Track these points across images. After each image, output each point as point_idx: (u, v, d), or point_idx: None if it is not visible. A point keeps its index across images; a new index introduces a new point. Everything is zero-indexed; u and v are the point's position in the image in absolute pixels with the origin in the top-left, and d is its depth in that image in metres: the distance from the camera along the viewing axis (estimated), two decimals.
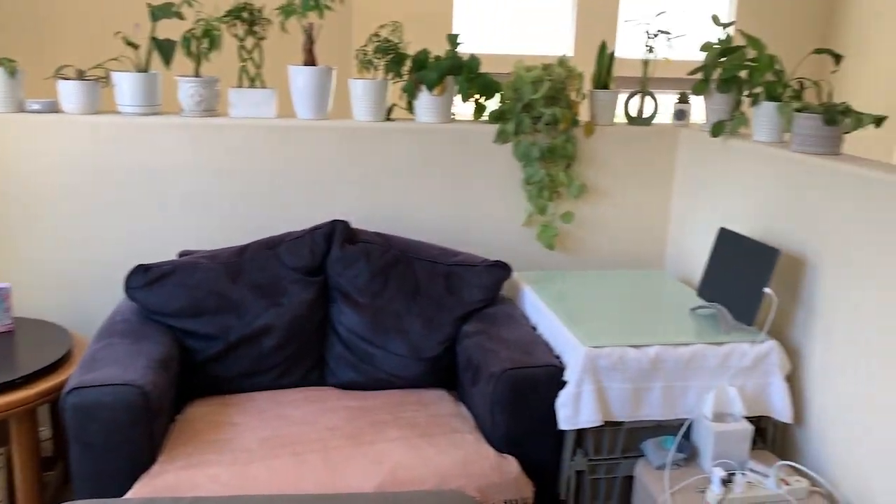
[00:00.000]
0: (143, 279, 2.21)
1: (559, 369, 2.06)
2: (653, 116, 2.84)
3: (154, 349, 2.05)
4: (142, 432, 1.83)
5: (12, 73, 2.44)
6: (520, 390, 2.01)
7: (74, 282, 2.58)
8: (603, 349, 2.02)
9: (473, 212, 2.75)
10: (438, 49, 2.68)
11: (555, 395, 2.04)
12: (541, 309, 2.34)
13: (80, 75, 2.52)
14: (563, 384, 2.04)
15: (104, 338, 2.10)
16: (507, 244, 2.79)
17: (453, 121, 2.74)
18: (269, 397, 2.23)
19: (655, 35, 2.78)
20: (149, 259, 2.61)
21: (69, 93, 2.49)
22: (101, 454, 1.81)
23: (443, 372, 2.37)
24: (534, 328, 2.33)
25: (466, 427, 2.09)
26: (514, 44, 5.87)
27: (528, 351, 2.11)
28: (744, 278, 2.19)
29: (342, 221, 2.43)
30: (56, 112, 2.52)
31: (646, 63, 2.77)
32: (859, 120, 2.11)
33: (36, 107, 2.50)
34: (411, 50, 2.66)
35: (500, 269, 2.42)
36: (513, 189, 2.75)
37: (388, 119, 2.70)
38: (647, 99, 2.84)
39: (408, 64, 2.67)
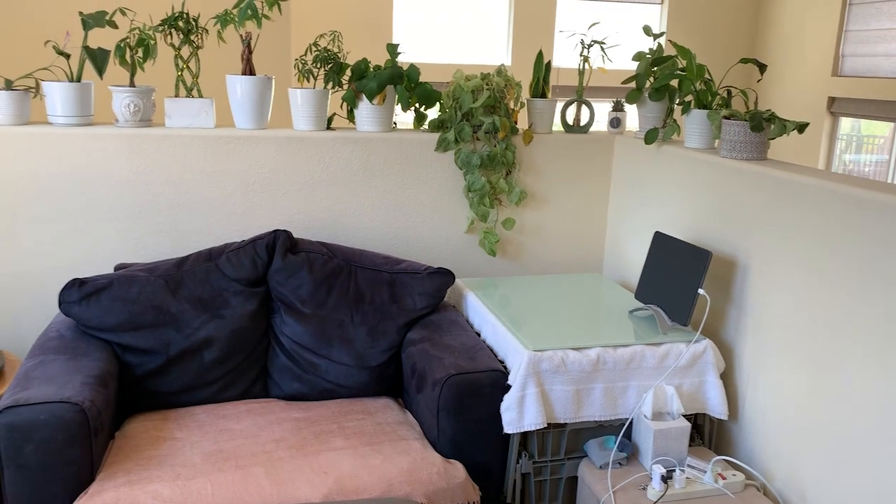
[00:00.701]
0: (78, 294, 2.16)
1: (503, 374, 2.09)
2: (589, 124, 2.91)
3: (91, 365, 1.99)
4: (80, 451, 1.78)
5: None
6: (464, 396, 2.03)
7: (4, 297, 2.49)
8: (545, 352, 2.05)
9: (416, 219, 2.77)
10: (378, 58, 2.70)
11: (499, 400, 2.07)
12: (484, 314, 2.37)
13: (9, 85, 2.44)
14: (506, 388, 2.07)
15: (38, 355, 2.04)
16: (449, 251, 2.82)
17: (394, 130, 2.76)
18: (211, 411, 2.20)
19: (590, 45, 2.85)
20: (84, 273, 2.54)
21: None
22: (38, 476, 1.75)
23: (388, 380, 2.37)
24: (478, 334, 2.36)
25: (412, 434, 2.10)
26: (453, 53, 5.93)
27: (471, 356, 2.14)
28: (678, 280, 2.26)
29: (284, 231, 2.42)
30: None
31: (581, 72, 2.84)
32: (783, 126, 2.21)
33: None
34: (351, 59, 2.67)
35: (444, 276, 2.44)
36: (455, 197, 2.78)
37: (329, 128, 2.70)
38: (584, 107, 2.91)
39: (347, 73, 2.67)
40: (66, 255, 2.51)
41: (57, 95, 2.45)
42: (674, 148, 2.55)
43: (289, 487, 1.82)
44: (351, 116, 2.74)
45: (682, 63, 2.52)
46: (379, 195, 2.72)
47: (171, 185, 2.54)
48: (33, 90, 2.50)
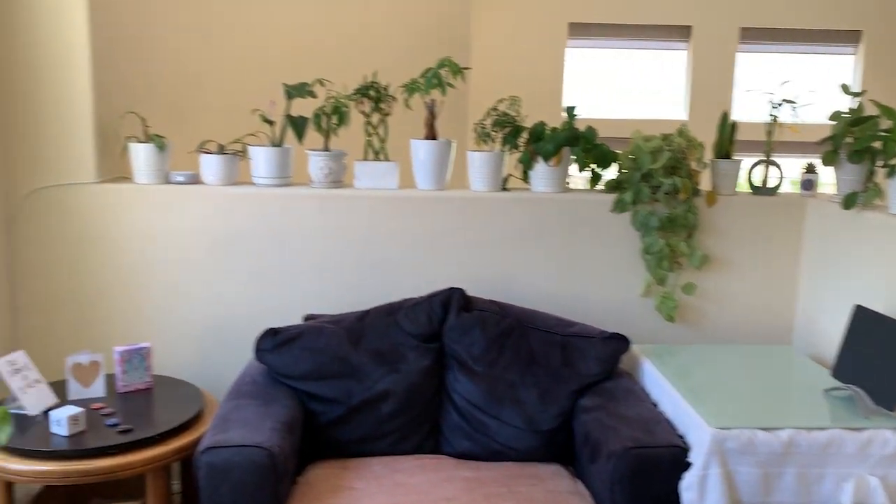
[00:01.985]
0: (272, 342, 2.32)
1: (683, 450, 1.98)
2: (778, 186, 2.76)
3: (281, 412, 2.13)
4: (268, 494, 1.89)
5: (161, 147, 2.66)
6: (642, 471, 1.95)
7: (206, 342, 2.73)
8: (731, 431, 1.93)
9: (589, 281, 2.73)
10: (549, 117, 2.73)
11: (678, 478, 1.96)
12: (662, 385, 2.28)
13: (221, 149, 2.71)
14: (687, 466, 1.96)
15: (234, 398, 2.20)
16: (624, 315, 2.75)
17: (568, 190, 2.76)
18: (385, 463, 2.26)
19: (780, 104, 2.72)
20: (275, 322, 2.73)
21: (210, 165, 2.68)
22: None
23: (559, 446, 2.33)
24: (654, 405, 2.26)
25: None
26: (626, 108, 5.88)
27: (649, 429, 2.05)
28: (884, 360, 2.06)
29: (458, 289, 2.47)
30: (197, 183, 2.72)
31: (770, 132, 2.71)
32: None
33: (180, 178, 2.71)
34: (525, 121, 2.72)
35: (619, 341, 2.38)
36: (630, 259, 2.72)
37: (504, 189, 2.75)
38: (772, 168, 2.76)
39: (524, 136, 2.72)
40: (260, 304, 2.72)
41: (261, 158, 2.69)
42: (876, 214, 2.35)
43: None
44: (526, 177, 2.78)
45: (885, 123, 2.34)
46: (552, 255, 2.71)
47: (356, 242, 2.69)
48: (241, 154, 2.76)
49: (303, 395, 2.31)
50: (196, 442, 2.16)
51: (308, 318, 2.56)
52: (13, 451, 2.03)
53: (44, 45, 2.55)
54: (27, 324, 2.69)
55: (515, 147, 2.73)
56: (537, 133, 2.69)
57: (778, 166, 2.77)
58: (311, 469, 2.22)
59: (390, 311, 2.46)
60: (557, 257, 2.72)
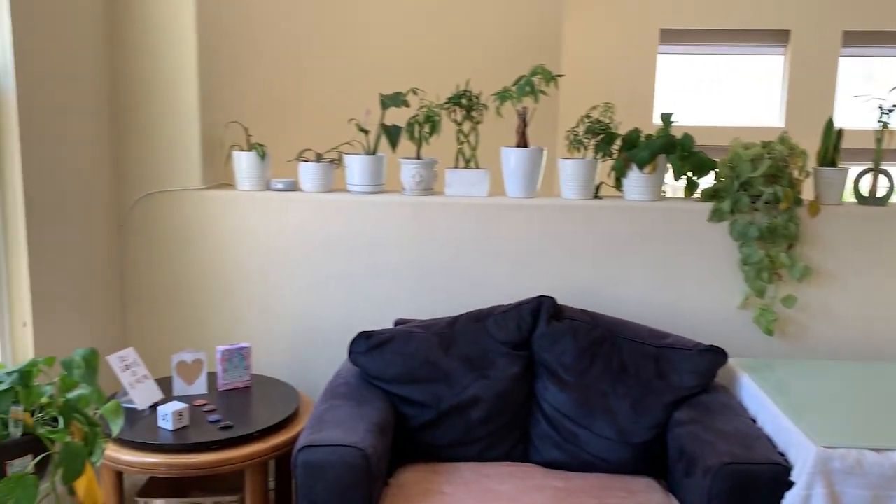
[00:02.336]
0: (365, 345, 2.37)
1: (785, 468, 1.91)
2: (888, 196, 2.63)
3: (374, 413, 2.17)
4: (361, 494, 1.93)
5: (262, 156, 2.77)
6: (740, 488, 1.89)
7: (301, 344, 2.81)
8: (837, 450, 1.85)
9: (683, 292, 2.67)
10: (639, 124, 2.69)
11: (779, 497, 1.89)
12: (761, 400, 2.20)
13: (318, 158, 2.80)
14: (789, 485, 1.89)
15: (328, 399, 2.26)
16: (720, 328, 2.67)
17: (663, 198, 2.71)
18: (474, 469, 2.27)
19: (890, 110, 2.59)
20: (366, 325, 2.79)
21: (308, 173, 2.77)
22: None
23: (651, 459, 2.28)
24: (753, 420, 2.19)
25: None
26: (720, 115, 5.72)
27: (748, 445, 1.98)
28: None
29: (549, 297, 2.46)
30: (295, 190, 2.81)
31: (879, 139, 2.59)
32: None
33: (279, 185, 2.81)
34: (617, 128, 2.69)
35: (716, 354, 2.32)
36: (727, 270, 2.65)
37: (597, 197, 2.73)
38: (881, 177, 2.63)
39: (617, 143, 2.69)
40: (352, 308, 2.78)
41: (356, 166, 2.76)
42: None
43: None
44: (619, 185, 2.74)
45: None
46: (645, 265, 2.67)
47: (447, 249, 2.72)
48: (337, 162, 2.83)
49: (394, 398, 2.34)
50: (292, 440, 2.23)
51: (398, 322, 2.61)
52: (123, 442, 2.14)
53: (155, 60, 2.70)
54: (135, 322, 2.84)
55: (608, 154, 2.70)
56: (631, 140, 2.65)
57: (888, 175, 2.63)
58: (401, 472, 2.25)
59: (479, 318, 2.47)
60: (651, 267, 2.67)
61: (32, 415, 1.73)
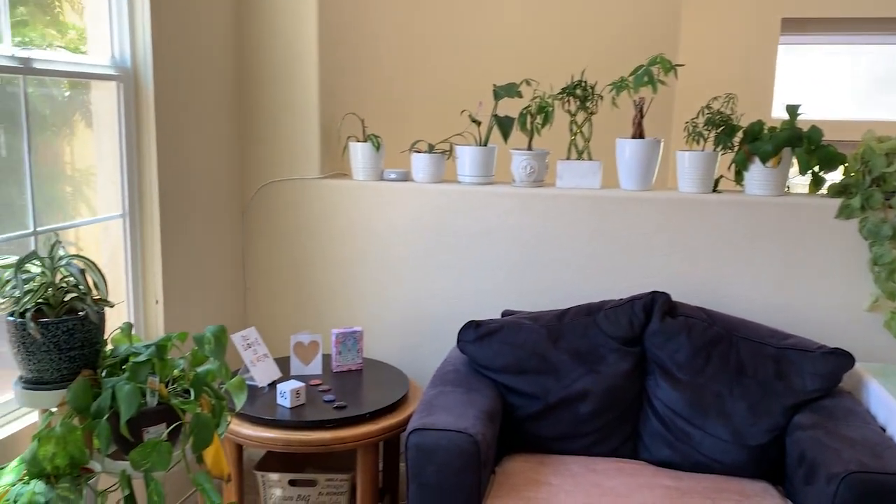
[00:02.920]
0: (474, 334, 2.39)
1: None
2: None
3: (483, 401, 2.19)
4: (471, 479, 1.95)
5: (377, 147, 2.83)
6: (868, 497, 1.79)
7: (410, 330, 2.87)
8: None
9: (807, 292, 2.55)
10: (758, 116, 2.58)
11: None
12: (892, 407, 2.07)
13: (430, 149, 2.84)
14: None
15: (437, 385, 2.30)
16: (845, 330, 2.54)
17: (787, 194, 2.59)
18: (581, 463, 2.26)
19: None
20: (473, 315, 2.81)
21: (420, 164, 2.82)
22: (435, 495, 1.96)
23: (768, 463, 2.20)
24: (882, 429, 2.07)
25: None
26: (842, 108, 5.41)
27: (877, 454, 1.88)
28: None
29: (663, 293, 2.40)
30: (408, 181, 2.86)
31: None
32: None
33: (392, 176, 2.87)
34: (737, 120, 2.59)
35: (841, 358, 2.20)
36: (854, 270, 2.51)
37: (715, 191, 2.64)
38: None
39: (739, 135, 2.60)
40: (461, 298, 2.81)
41: (467, 157, 2.78)
42: None
43: None
44: (739, 179, 2.65)
45: None
46: (765, 263, 2.56)
47: (556, 241, 2.70)
48: (448, 153, 2.87)
49: (501, 388, 2.36)
50: (402, 423, 2.29)
51: (506, 313, 2.61)
52: (244, 417, 2.25)
53: (278, 56, 2.81)
54: (256, 303, 2.98)
55: (729, 147, 2.61)
56: (754, 132, 2.55)
57: None
58: (507, 461, 2.27)
59: (590, 312, 2.45)
60: (772, 265, 2.56)
61: (166, 386, 1.85)
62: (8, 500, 1.57)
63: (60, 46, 2.19)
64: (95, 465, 1.72)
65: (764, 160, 2.50)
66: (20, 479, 1.62)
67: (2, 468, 1.68)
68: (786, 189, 2.61)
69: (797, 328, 2.57)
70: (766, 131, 2.54)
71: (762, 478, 2.21)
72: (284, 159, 2.88)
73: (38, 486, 1.59)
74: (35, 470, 1.62)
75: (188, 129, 2.54)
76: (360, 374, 2.57)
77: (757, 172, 2.55)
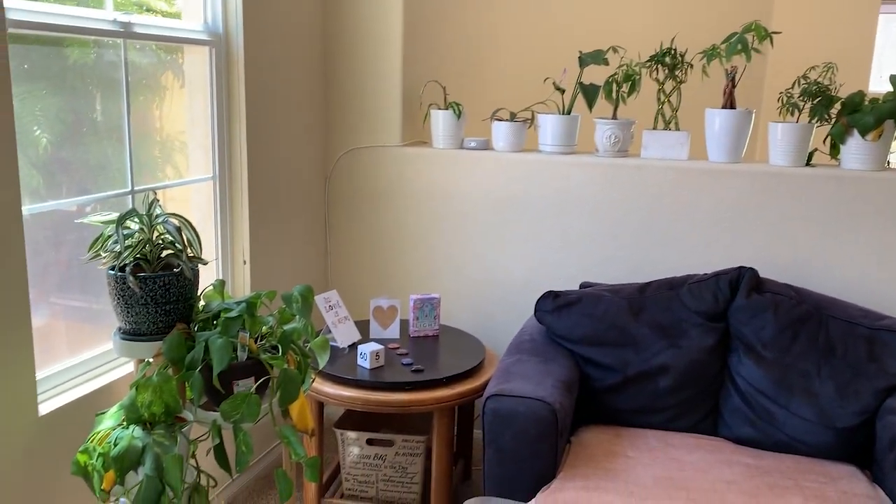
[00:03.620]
0: (552, 304, 2.38)
1: None
2: None
3: (560, 371, 2.18)
4: (547, 447, 1.96)
5: (458, 114, 2.83)
6: None
7: (486, 299, 2.88)
8: None
9: None
10: (853, 89, 2.45)
11: None
12: None
13: (512, 117, 2.82)
14: None
15: (514, 353, 2.30)
16: None
17: (888, 168, 2.47)
18: (659, 437, 2.23)
19: None
20: (550, 285, 2.80)
21: (501, 132, 2.80)
22: (511, 461, 1.98)
23: (856, 447, 2.12)
24: None
25: None
26: None
27: None
28: None
29: (750, 269, 2.34)
30: (488, 149, 2.86)
31: None
32: None
33: (472, 144, 2.86)
34: (835, 90, 2.47)
35: None
36: None
37: (809, 164, 2.54)
38: None
39: (836, 107, 2.48)
40: (538, 268, 2.80)
41: (549, 126, 2.75)
42: None
43: None
44: (835, 152, 2.53)
45: None
46: (861, 240, 2.45)
47: (638, 213, 2.65)
48: (530, 121, 2.84)
49: (579, 359, 2.35)
50: (478, 389, 2.31)
51: (584, 285, 2.59)
52: (327, 376, 2.31)
53: (364, 23, 2.83)
54: (337, 267, 3.04)
55: (825, 119, 2.49)
56: (854, 104, 2.43)
57: None
58: (583, 431, 2.26)
59: (673, 286, 2.40)
60: (868, 243, 2.45)
61: (255, 342, 1.92)
62: (109, 443, 1.66)
63: (156, 12, 2.26)
64: (188, 415, 1.80)
65: (864, 133, 2.38)
66: (119, 424, 1.72)
67: (102, 413, 1.78)
68: (886, 164, 2.48)
69: (893, 311, 2.46)
70: (867, 103, 2.42)
71: (848, 461, 2.14)
72: (367, 127, 2.91)
73: (136, 431, 1.67)
74: (133, 416, 1.71)
75: (276, 95, 2.59)
76: (437, 339, 2.60)
77: (855, 146, 2.44)
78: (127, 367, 2.11)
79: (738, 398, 2.25)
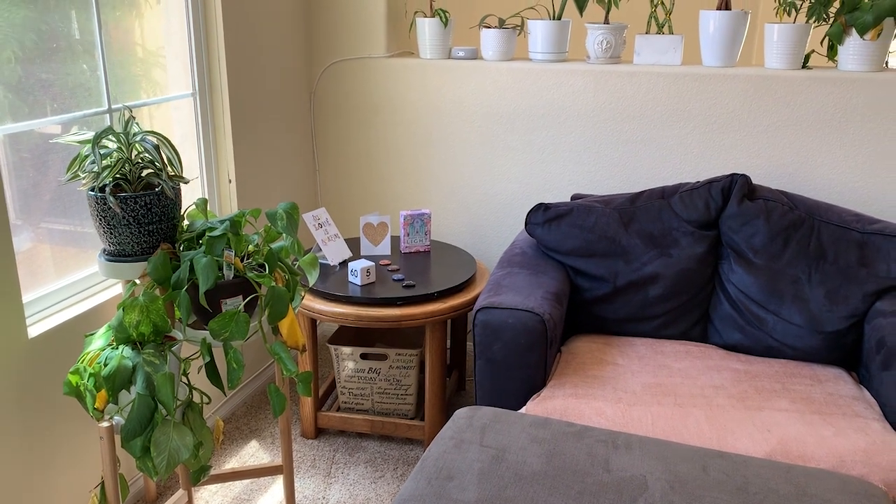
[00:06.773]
0: (542, 217, 2.36)
1: None
2: None
3: (550, 283, 2.18)
4: (537, 357, 1.98)
5: (445, 22, 2.73)
6: None
7: (477, 213, 2.86)
8: None
9: None
10: None
11: None
12: None
13: (501, 24, 2.72)
14: None
15: (505, 266, 2.30)
16: None
17: (885, 69, 2.40)
18: (650, 345, 2.25)
19: None
20: (542, 198, 2.77)
21: (489, 40, 2.71)
22: (501, 371, 2.00)
23: (843, 349, 2.15)
24: None
25: (871, 413, 1.88)
26: None
27: None
28: None
29: (743, 175, 2.30)
30: (476, 59, 2.77)
31: None
32: None
33: (461, 54, 2.78)
34: None
35: None
36: None
37: (805, 67, 2.46)
38: None
39: (835, 5, 2.39)
40: (529, 181, 2.76)
41: (539, 33, 2.66)
42: None
43: (728, 437, 1.79)
44: (832, 54, 2.46)
45: None
46: (855, 144, 2.41)
47: (630, 121, 2.60)
48: (519, 28, 2.74)
49: (569, 270, 2.34)
50: (470, 302, 2.31)
51: (575, 197, 2.56)
52: (318, 293, 2.31)
53: None
54: (326, 184, 3.00)
55: (823, 19, 2.41)
56: (854, 2, 2.34)
57: None
58: (573, 340, 2.28)
59: (664, 195, 2.37)
60: (863, 147, 2.41)
61: (242, 261, 1.90)
62: (99, 363, 1.67)
63: None
64: (177, 334, 1.81)
65: (862, 32, 2.31)
66: (108, 345, 1.72)
67: (91, 334, 1.79)
68: (885, 64, 2.41)
69: (885, 214, 2.44)
70: (866, 1, 2.33)
71: (836, 364, 2.17)
72: (350, 38, 2.82)
73: (125, 350, 1.68)
74: (122, 336, 1.71)
75: (254, 5, 2.49)
76: (428, 255, 2.59)
77: (853, 46, 2.36)
78: (115, 290, 2.11)
79: (727, 305, 2.26)
